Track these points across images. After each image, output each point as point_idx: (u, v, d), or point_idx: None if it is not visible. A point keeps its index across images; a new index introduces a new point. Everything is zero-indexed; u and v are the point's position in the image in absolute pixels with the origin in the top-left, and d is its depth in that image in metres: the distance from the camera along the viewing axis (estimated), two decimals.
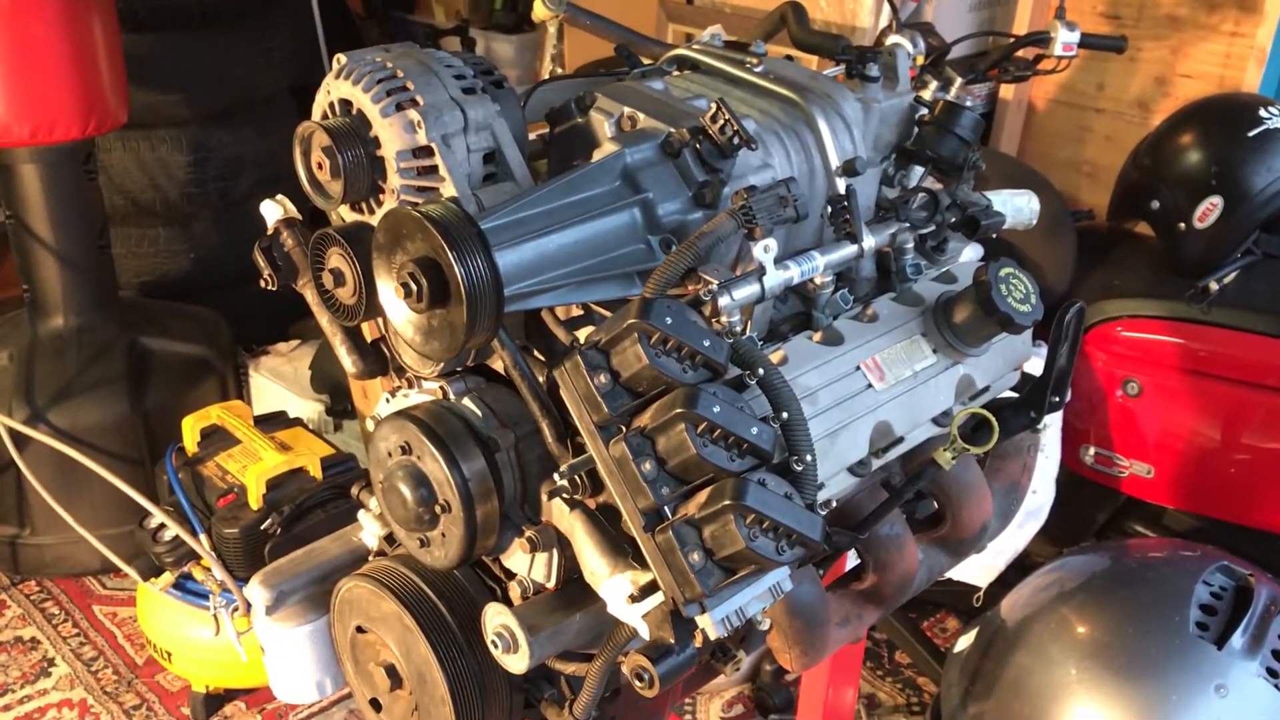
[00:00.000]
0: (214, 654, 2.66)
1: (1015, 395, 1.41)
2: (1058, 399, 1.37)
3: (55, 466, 2.89)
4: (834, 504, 1.22)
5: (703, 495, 0.99)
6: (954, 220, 1.36)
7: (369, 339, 1.38)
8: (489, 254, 1.04)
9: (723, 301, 1.15)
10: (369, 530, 1.48)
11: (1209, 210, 2.50)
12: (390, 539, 1.45)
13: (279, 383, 3.39)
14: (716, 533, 0.98)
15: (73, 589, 3.19)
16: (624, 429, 1.02)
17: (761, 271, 1.18)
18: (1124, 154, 2.79)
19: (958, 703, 2.38)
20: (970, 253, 2.39)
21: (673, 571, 0.99)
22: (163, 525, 2.66)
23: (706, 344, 1.00)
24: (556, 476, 1.14)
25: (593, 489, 1.19)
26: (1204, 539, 2.64)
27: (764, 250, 1.17)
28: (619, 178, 1.19)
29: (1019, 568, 2.67)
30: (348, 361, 1.37)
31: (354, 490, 1.54)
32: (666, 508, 1.01)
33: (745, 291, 1.17)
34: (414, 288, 1.06)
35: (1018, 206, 1.49)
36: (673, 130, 1.22)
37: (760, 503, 0.96)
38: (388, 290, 1.11)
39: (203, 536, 2.59)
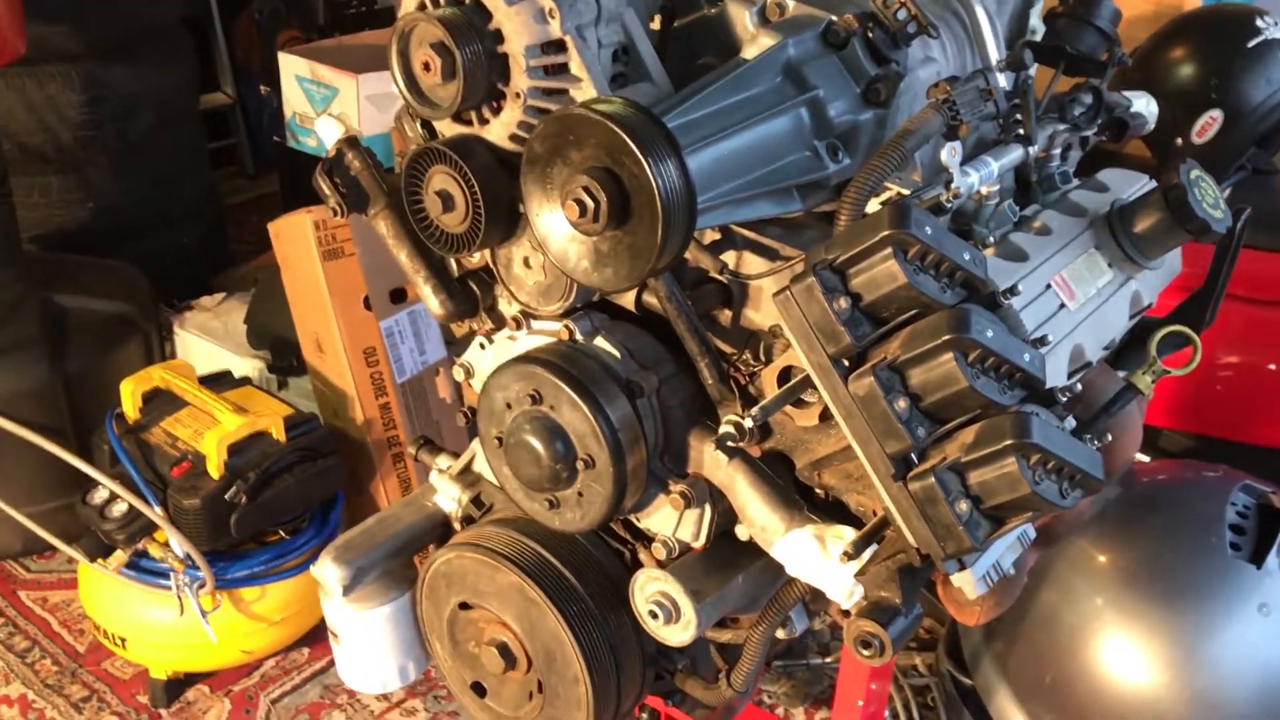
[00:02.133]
0: (177, 636, 2.42)
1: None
2: (1211, 315, 1.28)
3: None
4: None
5: (968, 435, 0.85)
6: (1100, 122, 1.24)
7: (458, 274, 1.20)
8: (681, 159, 0.88)
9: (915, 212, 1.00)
10: (446, 494, 1.30)
11: (1209, 124, 2.45)
12: (476, 502, 1.28)
13: (210, 340, 3.12)
14: (989, 477, 0.84)
15: None
16: (857, 364, 0.87)
17: (949, 178, 1.04)
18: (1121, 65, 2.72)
19: (980, 640, 2.31)
20: None
21: (933, 525, 0.85)
22: (111, 500, 2.41)
23: (967, 257, 0.86)
24: (733, 423, 0.98)
25: (766, 435, 1.04)
26: (1199, 458, 2.63)
27: (950, 154, 1.03)
28: (781, 73, 1.03)
29: None
30: (434, 302, 1.18)
31: (412, 449, 1.36)
32: (910, 456, 0.87)
33: (933, 199, 1.03)
34: (590, 204, 0.88)
35: (1139, 109, 1.38)
36: (834, 18, 1.06)
37: (1047, 439, 0.82)
38: (548, 211, 0.93)
39: (158, 509, 2.35)
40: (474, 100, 1.03)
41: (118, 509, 2.39)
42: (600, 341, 1.09)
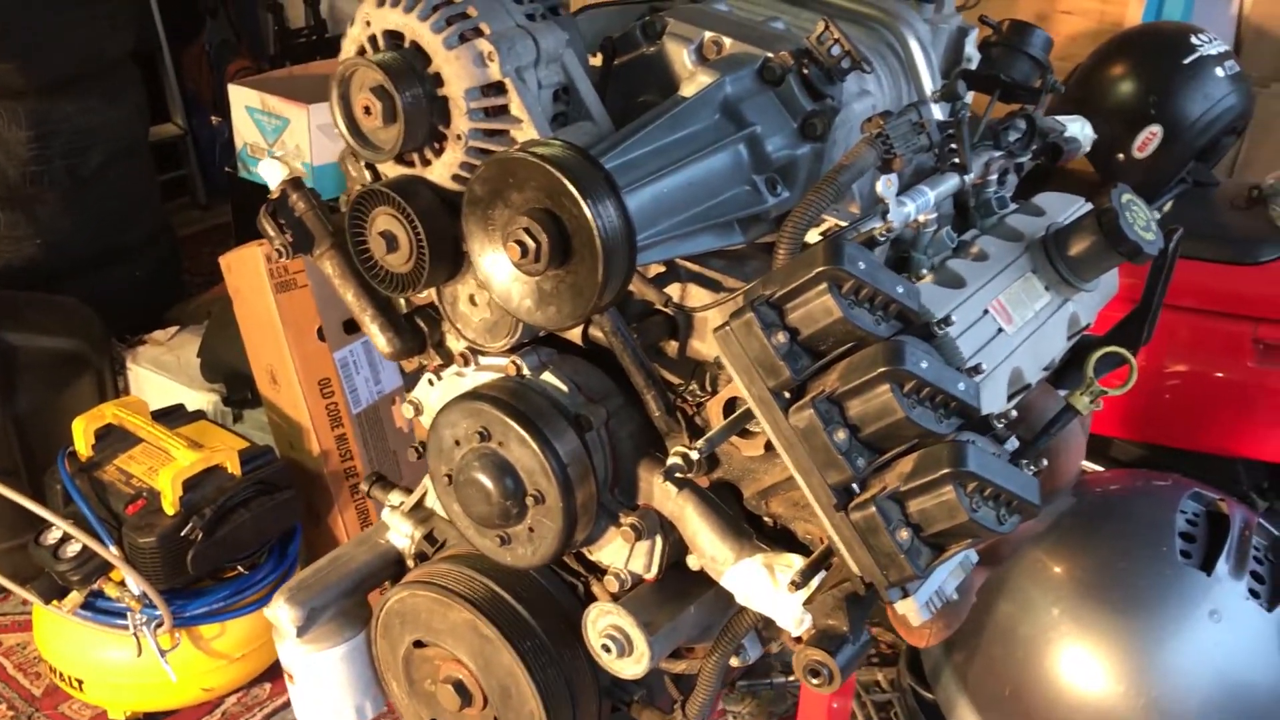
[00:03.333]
0: (135, 676, 2.39)
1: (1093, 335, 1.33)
2: (1148, 333, 1.30)
3: None
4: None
5: (906, 464, 0.86)
6: (1034, 147, 1.26)
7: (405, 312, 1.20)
8: (620, 199, 0.89)
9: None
10: (399, 531, 1.30)
11: (1149, 139, 2.50)
12: (430, 538, 1.28)
13: (163, 374, 3.09)
14: (927, 506, 0.85)
15: None
16: (797, 396, 0.88)
17: (884, 209, 1.06)
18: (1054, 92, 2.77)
19: (940, 654, 2.33)
20: None
21: (875, 554, 0.86)
22: (64, 540, 2.38)
23: (900, 290, 0.87)
24: (680, 455, 0.99)
25: (713, 466, 1.05)
26: (1150, 468, 2.67)
27: (886, 185, 1.05)
28: (719, 110, 1.05)
29: None
30: (381, 340, 1.19)
31: (365, 487, 1.36)
32: (851, 485, 0.88)
33: (887, 231, 1.04)
34: (532, 245, 0.90)
35: (1074, 133, 1.41)
36: (770, 54, 1.07)
37: (982, 467, 0.84)
38: (491, 252, 0.94)
39: (113, 548, 2.33)
40: (415, 143, 1.04)
41: (71, 549, 2.37)
42: (548, 376, 1.10)
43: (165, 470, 2.36)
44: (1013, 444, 1.17)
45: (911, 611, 0.89)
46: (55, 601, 2.40)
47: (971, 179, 1.18)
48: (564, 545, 1.08)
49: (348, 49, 1.07)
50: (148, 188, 3.94)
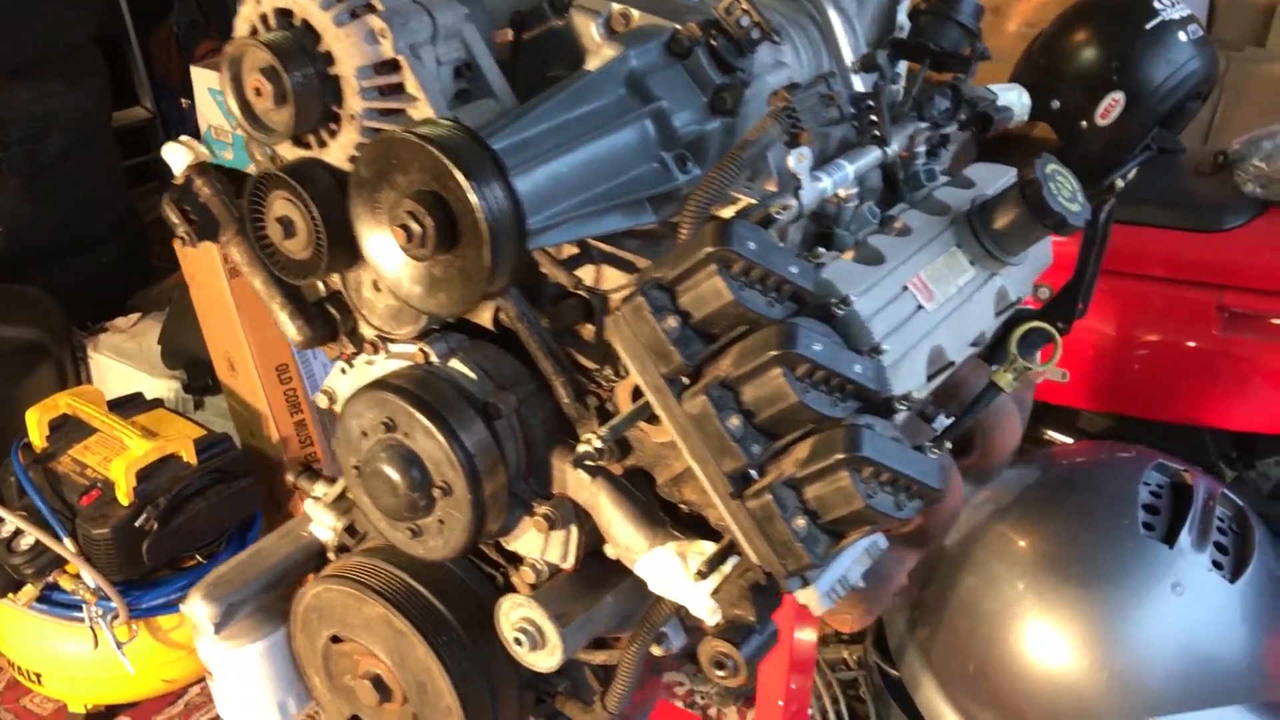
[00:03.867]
0: (93, 669, 2.38)
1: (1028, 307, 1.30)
2: (1083, 306, 1.27)
3: None
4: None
5: (802, 450, 0.83)
6: (964, 117, 1.23)
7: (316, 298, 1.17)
8: (507, 180, 0.86)
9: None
10: (321, 522, 1.27)
11: (1111, 106, 2.46)
12: (351, 530, 1.25)
13: (125, 362, 3.06)
14: (823, 492, 0.83)
15: None
16: (694, 381, 0.85)
17: (797, 185, 1.02)
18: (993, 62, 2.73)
19: (904, 630, 2.32)
20: None
21: (772, 542, 0.83)
22: (18, 533, 2.35)
23: (794, 270, 0.84)
24: (588, 442, 0.96)
25: (624, 452, 1.02)
26: (1119, 438, 2.65)
27: (798, 160, 1.02)
28: (624, 85, 1.01)
29: None
30: (291, 329, 1.16)
31: (290, 478, 1.33)
32: (748, 472, 0.85)
33: (784, 209, 1.01)
34: (417, 229, 0.86)
35: (1009, 101, 1.37)
36: (678, 26, 1.04)
37: (878, 451, 0.81)
38: (379, 236, 0.91)
39: (67, 540, 2.30)
40: (308, 124, 1.01)
41: (25, 542, 2.35)
42: (455, 363, 1.07)
43: (118, 460, 2.34)
44: (941, 422, 1.15)
45: (812, 601, 0.86)
46: (11, 595, 2.38)
47: (895, 152, 1.15)
48: (474, 537, 1.05)
49: (240, 28, 1.03)
50: (112, 174, 3.89)
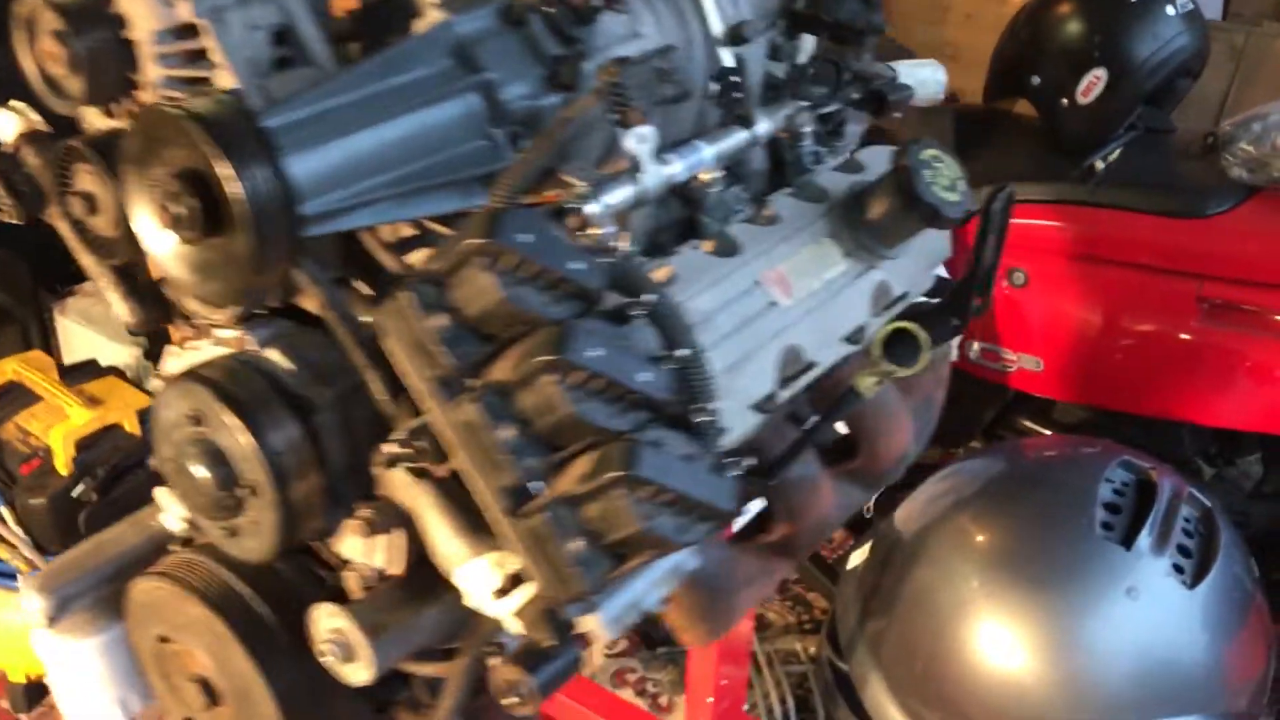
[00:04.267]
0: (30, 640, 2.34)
1: (930, 300, 1.21)
2: (982, 301, 1.18)
3: None
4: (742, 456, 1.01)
5: (582, 465, 0.75)
6: (856, 97, 1.14)
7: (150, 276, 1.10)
8: (275, 161, 0.78)
9: (592, 209, 0.91)
10: (171, 512, 1.21)
11: (1093, 84, 2.34)
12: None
13: (90, 327, 3.02)
14: (601, 513, 0.75)
15: None
16: (472, 384, 0.78)
17: (637, 168, 0.94)
18: (986, 32, 2.62)
19: (855, 624, 2.24)
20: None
21: (548, 565, 0.76)
22: None
23: (577, 266, 0.76)
24: (394, 440, 0.89)
25: (442, 453, 0.95)
26: (1094, 431, 2.54)
27: (638, 140, 0.93)
28: (449, 55, 0.93)
29: (907, 470, 2.53)
30: (122, 309, 1.09)
31: (152, 461, 1.27)
32: (534, 484, 0.77)
33: (619, 194, 0.93)
34: (179, 211, 0.79)
35: (922, 78, 1.28)
36: None
37: (657, 471, 0.73)
38: (145, 216, 0.83)
39: (4, 510, 2.27)
40: (105, 92, 0.93)
41: None
42: (273, 353, 1.00)
43: (57, 429, 2.29)
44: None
45: (597, 629, 0.78)
46: None
47: (768, 132, 1.06)
48: (287, 539, 0.98)
49: None
50: None
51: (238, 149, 0.77)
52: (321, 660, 0.98)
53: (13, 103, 1.12)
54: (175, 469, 1.00)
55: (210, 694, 1.10)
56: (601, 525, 0.75)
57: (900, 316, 1.16)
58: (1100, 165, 2.35)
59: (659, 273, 0.95)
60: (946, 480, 2.26)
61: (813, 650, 2.49)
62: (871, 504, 2.59)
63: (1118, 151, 2.40)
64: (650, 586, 0.81)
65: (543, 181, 0.95)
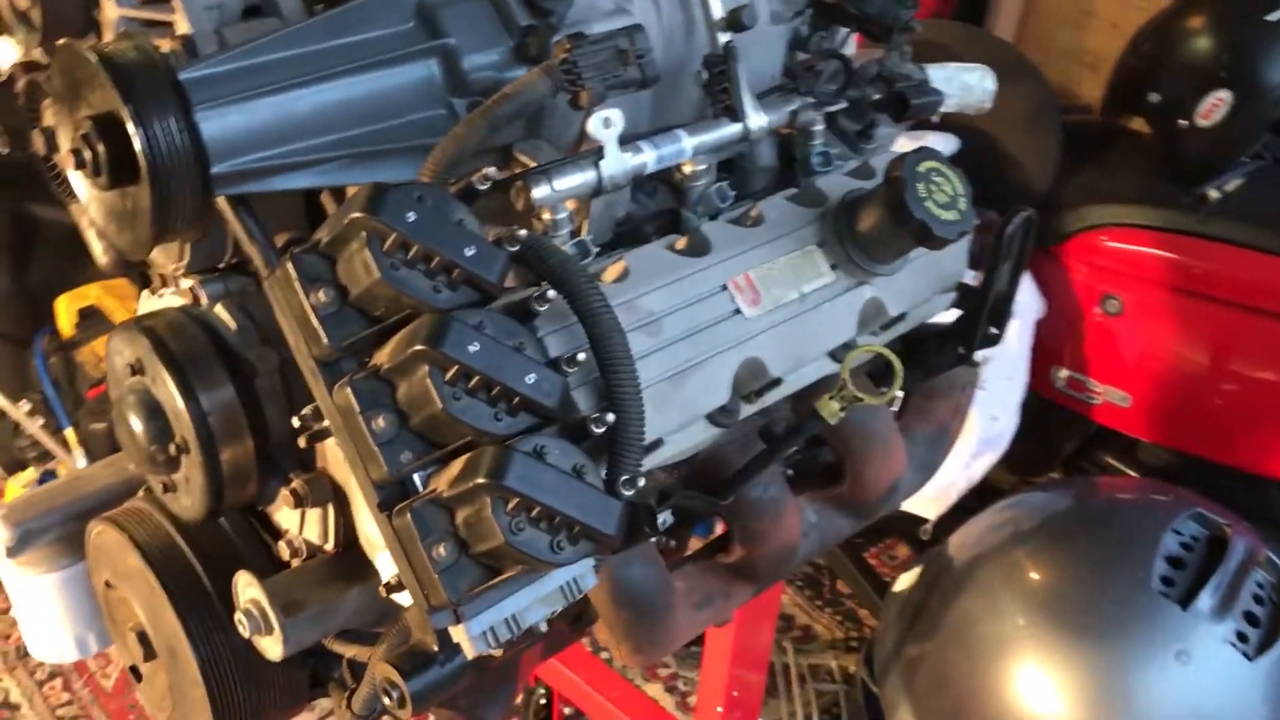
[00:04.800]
0: None
1: (943, 323, 1.12)
2: (995, 330, 1.09)
3: None
4: (666, 470, 0.95)
5: (456, 466, 0.70)
6: (877, 98, 1.05)
7: None
8: (187, 114, 0.75)
9: (539, 192, 0.85)
10: None
11: (1215, 105, 2.18)
12: None
13: None
14: (471, 519, 0.69)
15: None
16: (360, 367, 0.73)
17: (599, 154, 0.88)
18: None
19: (893, 647, 2.14)
20: (942, 144, 2.08)
21: (410, 568, 0.71)
22: (29, 415, 2.39)
23: (470, 253, 0.70)
24: (306, 413, 0.85)
25: None
26: (1180, 478, 2.38)
27: (604, 124, 0.87)
28: (412, 16, 0.88)
29: (977, 494, 2.42)
30: (96, 249, 1.08)
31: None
32: (413, 479, 0.73)
33: (574, 180, 0.87)
34: (87, 156, 0.76)
35: (966, 84, 1.18)
36: None
37: (526, 482, 0.67)
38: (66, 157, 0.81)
39: (69, 431, 2.32)
40: (62, 28, 0.91)
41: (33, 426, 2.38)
42: (220, 310, 0.97)
43: None
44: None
45: (464, 641, 0.73)
46: (17, 474, 2.43)
47: (764, 127, 0.99)
48: (216, 501, 0.96)
49: None
50: None
51: (145, 98, 0.73)
52: (239, 630, 0.95)
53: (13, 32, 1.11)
54: (118, 416, 0.99)
55: (146, 646, 1.08)
56: (468, 534, 0.70)
57: (905, 338, 1.08)
58: (1215, 195, 2.19)
59: (613, 267, 0.89)
60: (1008, 510, 2.14)
61: (851, 669, 2.40)
62: (930, 526, 2.49)
63: (1237, 181, 2.23)
64: (535, 602, 0.75)
65: (507, 161, 0.90)
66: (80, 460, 2.30)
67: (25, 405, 2.40)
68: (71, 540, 1.19)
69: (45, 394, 2.37)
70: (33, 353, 2.54)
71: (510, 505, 0.68)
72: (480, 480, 0.67)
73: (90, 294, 2.53)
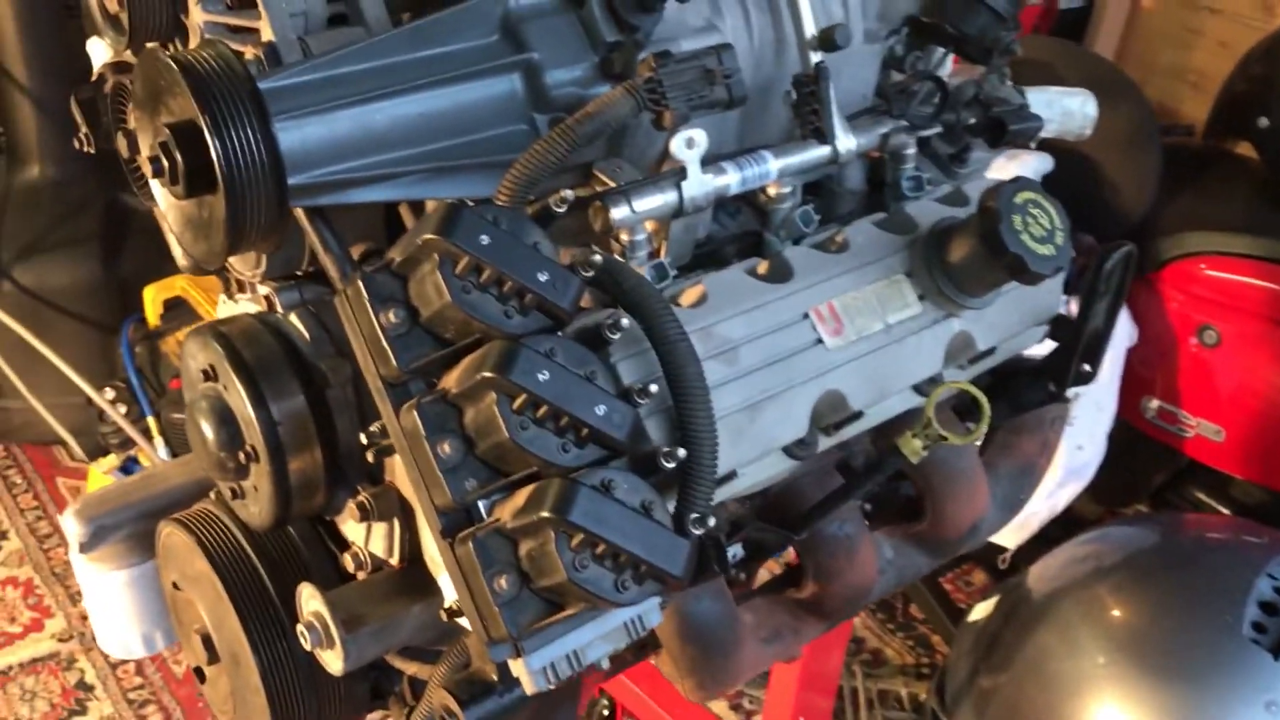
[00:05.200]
0: None
1: (1034, 358, 1.08)
2: (1089, 368, 1.04)
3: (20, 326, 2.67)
4: (742, 503, 0.92)
5: (521, 496, 0.68)
6: (973, 121, 1.01)
7: None
8: (265, 124, 0.74)
9: (618, 213, 0.83)
10: None
11: None
12: None
13: None
14: (534, 552, 0.67)
15: (40, 458, 3.00)
16: (429, 388, 0.71)
17: (681, 175, 0.85)
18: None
19: (966, 677, 2.09)
20: (1036, 164, 2.02)
21: (471, 598, 0.69)
22: (113, 402, 2.43)
23: (543, 278, 0.69)
24: (374, 429, 0.84)
25: None
26: (1275, 519, 2.29)
27: (687, 145, 0.85)
28: (497, 30, 0.87)
29: (1061, 523, 2.35)
30: (176, 251, 1.08)
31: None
32: (477, 506, 0.71)
33: (654, 201, 0.85)
34: (165, 164, 0.75)
35: (1067, 109, 1.13)
36: None
37: (591, 518, 0.65)
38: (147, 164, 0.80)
39: (150, 419, 2.36)
40: (150, 31, 0.91)
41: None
42: (295, 319, 0.96)
43: None
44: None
45: (523, 675, 0.71)
46: (100, 459, 2.48)
47: (854, 150, 0.96)
48: (283, 512, 0.95)
49: None
50: None
51: (223, 108, 0.72)
52: (301, 641, 0.95)
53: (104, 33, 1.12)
54: (190, 420, 0.98)
55: (210, 649, 1.08)
56: (531, 567, 0.68)
57: (993, 371, 1.04)
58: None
59: (690, 292, 0.86)
60: (1092, 543, 2.07)
61: (921, 697, 2.35)
62: (1009, 555, 2.42)
63: None
64: (597, 639, 0.73)
65: (587, 179, 0.88)
66: (160, 449, 2.34)
67: (109, 393, 2.45)
68: (142, 538, 1.19)
69: (129, 382, 2.42)
70: (119, 340, 2.59)
71: (575, 541, 0.66)
72: (545, 514, 0.65)
73: (176, 285, 2.58)
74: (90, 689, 2.40)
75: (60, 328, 2.84)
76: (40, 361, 2.65)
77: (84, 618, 2.49)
